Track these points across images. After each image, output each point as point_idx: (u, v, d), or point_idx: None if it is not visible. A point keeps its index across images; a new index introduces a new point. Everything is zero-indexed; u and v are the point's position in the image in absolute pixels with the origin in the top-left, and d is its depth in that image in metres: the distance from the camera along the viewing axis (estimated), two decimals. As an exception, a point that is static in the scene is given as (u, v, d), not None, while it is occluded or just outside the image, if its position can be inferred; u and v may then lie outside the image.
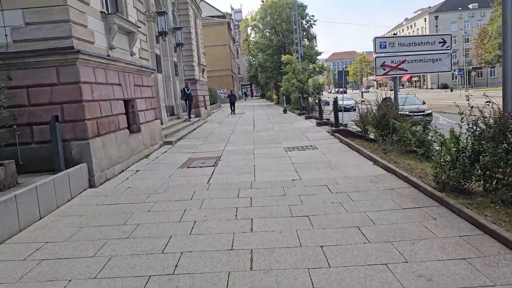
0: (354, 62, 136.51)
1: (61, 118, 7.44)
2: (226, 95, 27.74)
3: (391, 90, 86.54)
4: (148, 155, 11.10)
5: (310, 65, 33.48)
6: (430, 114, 18.72)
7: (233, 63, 71.62)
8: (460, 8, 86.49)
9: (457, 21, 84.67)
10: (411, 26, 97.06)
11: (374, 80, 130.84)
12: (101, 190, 7.45)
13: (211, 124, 21.41)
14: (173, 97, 19.48)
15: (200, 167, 9.24)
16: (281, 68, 34.74)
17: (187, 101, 20.30)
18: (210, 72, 52.33)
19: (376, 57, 12.33)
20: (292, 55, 30.68)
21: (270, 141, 12.96)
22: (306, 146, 11.48)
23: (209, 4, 70.65)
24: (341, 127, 13.15)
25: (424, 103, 20.83)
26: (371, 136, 11.63)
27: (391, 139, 9.40)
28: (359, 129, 13.23)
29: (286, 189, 6.85)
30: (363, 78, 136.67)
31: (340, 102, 28.67)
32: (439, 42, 12.26)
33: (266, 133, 15.31)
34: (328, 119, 17.70)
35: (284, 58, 28.77)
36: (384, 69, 12.22)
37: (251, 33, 52.58)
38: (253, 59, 56.03)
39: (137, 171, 9.10)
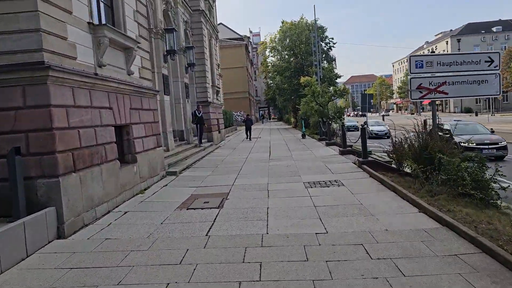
0: (373, 85, 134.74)
1: (25, 150, 5.95)
2: (243, 119, 26.10)
3: (411, 113, 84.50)
4: (145, 190, 9.53)
5: (330, 88, 31.99)
6: (505, 148, 14.83)
7: (250, 85, 70.71)
8: (483, 31, 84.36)
9: (480, 44, 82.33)
10: (432, 49, 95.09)
11: (394, 104, 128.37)
12: (71, 243, 5.84)
13: (224, 150, 19.85)
14: (183, 120, 18.05)
15: (202, 208, 7.59)
16: (300, 90, 33.33)
17: (198, 125, 18.85)
18: (227, 94, 51.40)
19: (411, 78, 10.67)
20: (311, 77, 29.17)
21: (287, 173, 11.27)
22: (329, 181, 9.74)
23: (227, 27, 70.50)
24: (370, 158, 11.38)
25: (492, 131, 16.50)
26: (407, 169, 9.86)
27: (437, 177, 7.60)
28: (389, 159, 11.52)
29: (309, 249, 5.13)
30: (382, 102, 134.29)
31: (370, 128, 26.95)
32: (486, 61, 10.56)
33: (283, 163, 13.64)
34: (351, 146, 15.97)
35: (303, 80, 27.33)
36: (421, 92, 10.56)
37: (269, 55, 51.59)
38: (271, 81, 54.99)
39: (126, 212, 7.50)
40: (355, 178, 10.01)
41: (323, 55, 42.71)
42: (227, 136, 29.95)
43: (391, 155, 10.20)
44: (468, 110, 79.51)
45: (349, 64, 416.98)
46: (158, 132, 11.55)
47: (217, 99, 25.88)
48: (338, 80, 45.67)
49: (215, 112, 23.91)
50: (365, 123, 22.78)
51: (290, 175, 11.01)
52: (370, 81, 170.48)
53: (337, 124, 22.05)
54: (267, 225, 6.30)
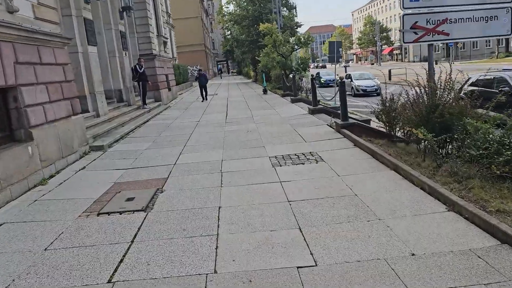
0: (333, 36, 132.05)
1: None
2: (195, 75, 21.76)
3: (371, 64, 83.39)
4: (50, 178, 6.82)
5: (291, 38, 29.19)
6: None
7: (206, 37, 66.33)
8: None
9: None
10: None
11: (354, 54, 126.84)
12: None
13: (173, 111, 17.00)
14: (121, 78, 14.96)
15: (121, 213, 5.03)
16: (259, 41, 30.37)
17: (141, 83, 15.79)
18: (181, 47, 47.47)
19: (404, 15, 8.22)
20: (271, 24, 26.16)
21: (247, 143, 8.82)
22: (303, 154, 7.38)
23: (178, -27, 64.66)
24: (351, 120, 9.05)
25: None
26: (399, 134, 7.69)
27: (463, 152, 5.35)
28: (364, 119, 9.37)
29: (290, 315, 2.77)
30: (342, 52, 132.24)
31: (356, 83, 21.80)
32: (496, -10, 8.27)
33: (242, 127, 11.14)
34: (318, 101, 13.64)
35: (262, 27, 24.30)
36: (416, 33, 8.19)
37: (225, 3, 47.49)
38: (228, 32, 51.28)
39: (-1, 226, 4.84)
40: (337, 148, 7.68)
41: (283, 1, 39.35)
42: (180, 94, 26.87)
43: (380, 116, 7.91)
44: (426, 59, 79.00)
45: (307, 15, 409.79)
46: (74, 94, 8.64)
47: (165, 51, 22.56)
48: (298, 30, 42.71)
49: (163, 66, 20.72)
50: (348, 76, 19.91)
51: (251, 145, 8.57)
52: (329, 32, 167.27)
53: (306, 78, 19.52)
54: (216, 248, 3.85)
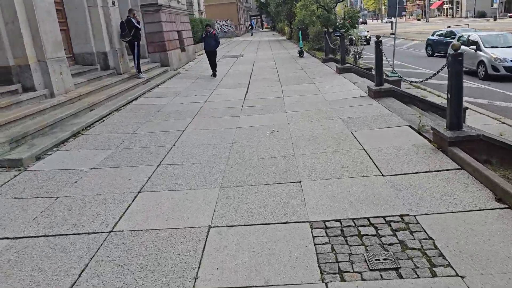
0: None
1: None
2: (203, 35, 14.88)
3: (418, 20, 75.50)
4: None
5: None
6: None
7: (238, -11, 60.79)
8: None
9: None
10: None
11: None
12: None
13: (179, 81, 12.91)
14: (107, 36, 10.97)
15: None
16: (296, -9, 25.45)
17: (135, 43, 11.74)
18: (209, 0, 43.06)
19: None
20: (311, -32, 21.12)
21: (269, 167, 4.77)
22: (387, 221, 3.28)
23: None
24: (470, 130, 4.76)
25: None
26: None
27: None
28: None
29: None
30: (383, 7, 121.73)
31: (490, 53, 13.08)
32: None
33: (264, 119, 7.07)
34: (377, 74, 9.22)
35: (301, -30, 19.44)
36: None
37: None
38: (262, -18, 45.96)
39: None
40: (460, 209, 3.50)
41: None
42: (200, 55, 22.68)
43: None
44: (482, 15, 70.49)
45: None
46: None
47: (178, 1, 18.22)
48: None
49: (174, 21, 16.51)
50: (470, 41, 14.16)
51: (277, 176, 4.51)
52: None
53: (356, 37, 14.87)
54: None
